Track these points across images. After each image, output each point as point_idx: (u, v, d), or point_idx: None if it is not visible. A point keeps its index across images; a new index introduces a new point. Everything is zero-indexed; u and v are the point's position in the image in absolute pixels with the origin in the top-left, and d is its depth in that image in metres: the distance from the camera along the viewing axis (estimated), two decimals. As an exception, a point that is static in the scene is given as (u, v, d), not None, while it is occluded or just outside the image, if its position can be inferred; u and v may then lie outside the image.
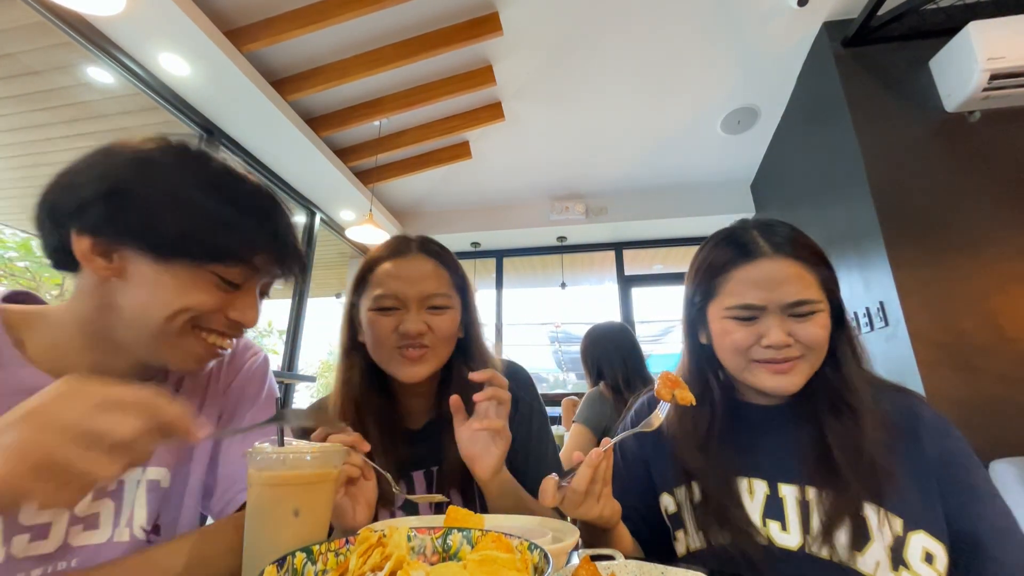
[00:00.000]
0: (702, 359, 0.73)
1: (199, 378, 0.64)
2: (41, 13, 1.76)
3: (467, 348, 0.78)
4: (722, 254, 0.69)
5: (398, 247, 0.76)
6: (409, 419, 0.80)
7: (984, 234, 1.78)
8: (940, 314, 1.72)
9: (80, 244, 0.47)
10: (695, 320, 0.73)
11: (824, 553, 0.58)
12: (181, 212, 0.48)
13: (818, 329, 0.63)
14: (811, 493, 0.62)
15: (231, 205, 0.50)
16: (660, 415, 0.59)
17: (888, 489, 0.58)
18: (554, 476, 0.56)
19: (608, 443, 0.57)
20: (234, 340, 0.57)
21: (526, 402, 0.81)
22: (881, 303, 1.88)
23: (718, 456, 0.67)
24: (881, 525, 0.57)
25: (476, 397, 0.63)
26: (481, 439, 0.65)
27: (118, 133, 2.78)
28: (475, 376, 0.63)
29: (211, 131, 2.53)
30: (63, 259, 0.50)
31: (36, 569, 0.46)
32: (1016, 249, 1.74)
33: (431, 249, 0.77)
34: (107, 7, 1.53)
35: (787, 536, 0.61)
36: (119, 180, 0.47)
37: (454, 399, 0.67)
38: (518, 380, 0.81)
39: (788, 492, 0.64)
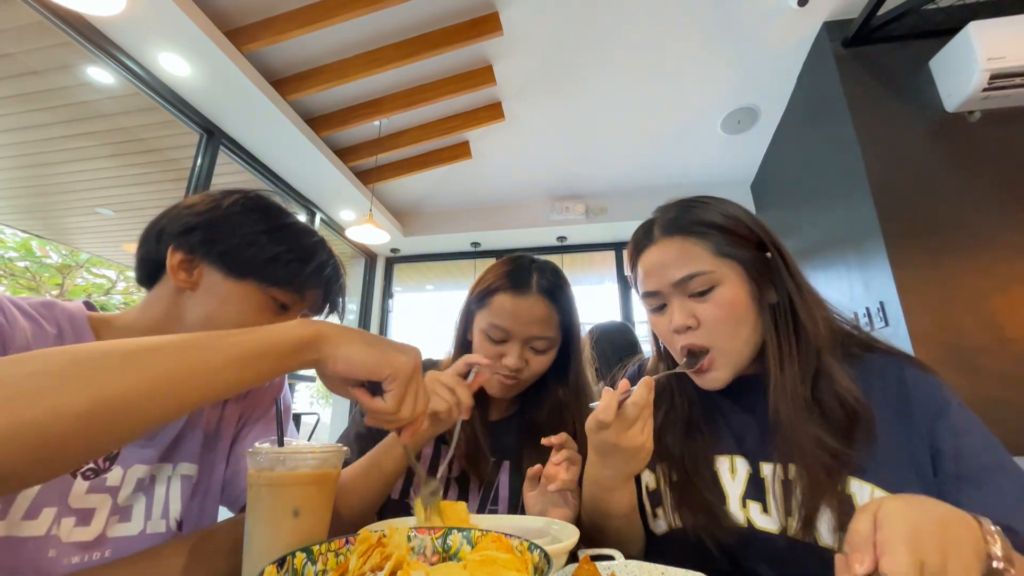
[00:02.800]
0: (665, 350, 0.73)
1: None
2: (41, 13, 1.76)
3: (563, 369, 0.85)
4: (631, 246, 0.69)
5: (519, 281, 0.79)
6: (489, 412, 0.90)
7: (984, 234, 1.77)
8: (940, 314, 1.72)
9: (173, 257, 0.59)
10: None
11: (807, 538, 0.54)
12: (258, 245, 0.60)
13: (715, 308, 0.59)
14: (793, 471, 0.57)
15: (298, 248, 0.63)
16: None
17: (870, 462, 0.54)
18: (612, 392, 0.54)
19: (650, 380, 0.55)
20: None
21: None
22: (881, 303, 1.88)
23: (695, 440, 0.66)
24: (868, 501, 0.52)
25: (554, 459, 0.65)
26: (552, 504, 0.65)
27: (118, 133, 2.79)
28: (547, 441, 0.66)
29: (211, 131, 2.52)
30: (149, 271, 0.62)
31: (75, 556, 0.50)
32: (1016, 249, 1.74)
33: (548, 290, 0.79)
34: (107, 7, 1.53)
35: (768, 519, 0.58)
36: (216, 216, 0.61)
37: (533, 469, 0.67)
38: None
39: (769, 471, 0.60)
